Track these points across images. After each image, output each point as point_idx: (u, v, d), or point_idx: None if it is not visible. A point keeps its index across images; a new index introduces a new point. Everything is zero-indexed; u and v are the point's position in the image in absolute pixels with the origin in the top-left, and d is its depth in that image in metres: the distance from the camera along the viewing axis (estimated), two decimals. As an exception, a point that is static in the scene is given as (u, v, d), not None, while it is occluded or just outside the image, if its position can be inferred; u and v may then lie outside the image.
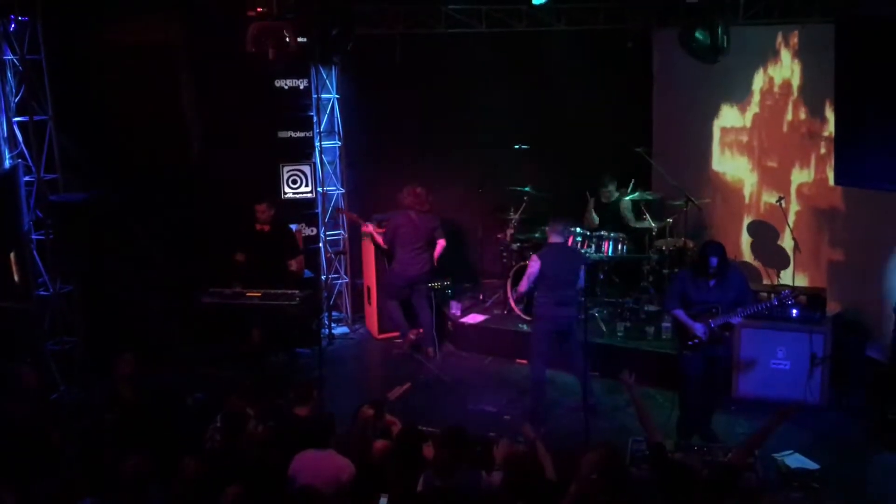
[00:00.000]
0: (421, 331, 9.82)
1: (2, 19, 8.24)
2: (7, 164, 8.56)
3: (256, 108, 9.82)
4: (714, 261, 7.00)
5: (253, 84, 9.70)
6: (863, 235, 8.63)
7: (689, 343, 7.20)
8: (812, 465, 6.92)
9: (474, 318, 10.12)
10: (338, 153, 10.71)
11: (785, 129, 9.51)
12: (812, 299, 8.21)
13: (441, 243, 9.62)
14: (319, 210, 10.49)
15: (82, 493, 5.27)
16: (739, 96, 9.98)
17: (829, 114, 8.76)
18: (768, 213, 9.78)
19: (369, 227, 9.77)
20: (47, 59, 8.50)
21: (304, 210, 10.29)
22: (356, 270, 10.86)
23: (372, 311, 10.49)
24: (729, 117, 10.22)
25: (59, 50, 8.61)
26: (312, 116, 10.24)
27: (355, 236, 10.73)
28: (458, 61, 10.43)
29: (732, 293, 7.16)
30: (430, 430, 5.98)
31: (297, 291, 8.72)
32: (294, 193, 10.19)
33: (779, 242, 9.66)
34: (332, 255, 10.70)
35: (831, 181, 8.70)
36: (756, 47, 9.56)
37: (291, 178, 10.17)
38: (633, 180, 9.95)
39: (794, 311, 8.13)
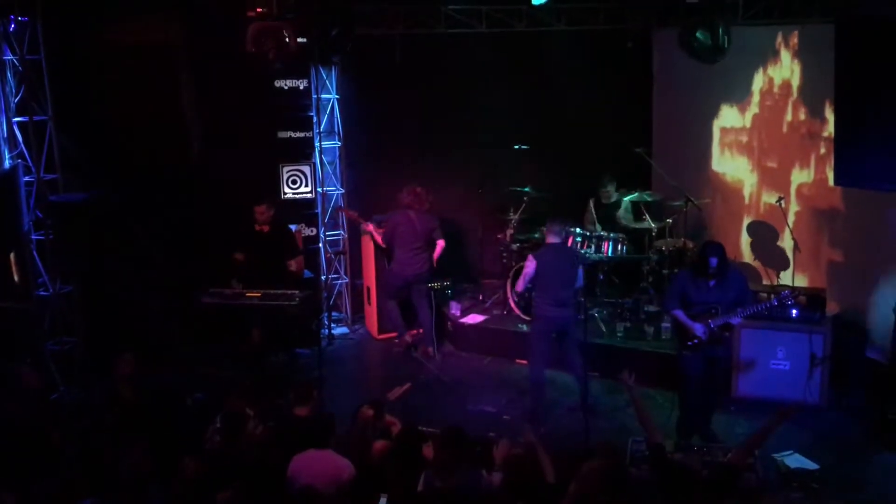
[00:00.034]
0: (420, 331, 9.84)
1: (2, 19, 8.24)
2: (7, 164, 8.56)
3: (256, 108, 9.83)
4: (714, 261, 7.00)
5: (253, 84, 9.71)
6: (862, 236, 8.63)
7: (689, 343, 7.20)
8: (812, 466, 6.93)
9: (474, 319, 10.12)
10: (338, 153, 10.71)
11: (785, 129, 9.51)
12: (812, 300, 8.21)
13: (440, 244, 9.62)
14: (319, 210, 10.49)
15: (82, 493, 5.27)
16: (739, 97, 9.98)
17: (829, 114, 8.76)
18: (768, 214, 9.79)
19: (370, 226, 9.77)
20: (47, 59, 8.50)
21: (303, 210, 10.29)
22: (356, 271, 10.86)
23: (372, 312, 10.49)
24: (729, 117, 10.22)
25: (58, 50, 8.61)
26: (312, 117, 10.24)
27: (355, 236, 10.74)
28: (458, 61, 10.43)
29: (732, 293, 7.16)
30: (430, 431, 5.98)
31: (296, 292, 8.71)
32: (294, 194, 10.20)
33: (778, 243, 9.67)
34: (332, 256, 10.70)
35: (831, 181, 8.70)
36: (756, 47, 9.56)
37: (291, 179, 10.17)
38: (631, 190, 9.96)
39: (794, 312, 8.13)
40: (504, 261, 10.17)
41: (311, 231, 10.40)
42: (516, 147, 10.27)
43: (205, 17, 9.21)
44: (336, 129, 10.66)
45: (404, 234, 9.41)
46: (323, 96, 10.42)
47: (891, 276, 8.25)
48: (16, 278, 8.34)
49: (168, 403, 7.16)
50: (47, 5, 8.39)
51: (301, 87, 10.08)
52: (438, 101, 10.58)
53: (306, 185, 10.23)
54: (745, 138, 10.06)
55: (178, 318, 9.08)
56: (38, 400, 6.97)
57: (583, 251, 9.37)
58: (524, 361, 8.88)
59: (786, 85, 9.43)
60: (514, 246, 10.01)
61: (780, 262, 9.65)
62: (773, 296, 7.49)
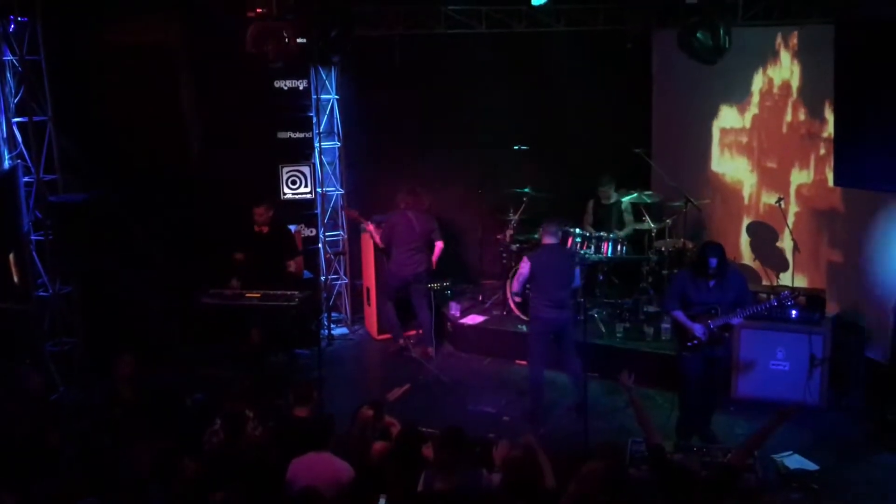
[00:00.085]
0: (420, 332, 9.84)
1: (1, 20, 8.23)
2: (6, 164, 8.56)
3: (256, 108, 9.83)
4: (713, 261, 7.00)
5: (252, 85, 9.71)
6: (862, 236, 8.62)
7: (689, 344, 7.20)
8: (811, 466, 6.94)
9: (474, 319, 10.12)
10: (337, 154, 10.71)
11: (784, 129, 9.51)
12: (811, 300, 8.21)
13: (439, 245, 9.63)
14: (319, 211, 10.49)
15: (82, 493, 5.27)
16: (739, 97, 9.98)
17: (829, 115, 8.76)
18: (768, 214, 9.79)
19: (370, 226, 9.78)
20: (47, 59, 8.50)
21: (303, 211, 10.29)
22: (355, 271, 10.86)
23: (371, 312, 10.49)
24: (728, 118, 10.22)
25: (58, 50, 8.61)
26: (312, 117, 10.25)
27: (354, 237, 10.74)
28: (457, 62, 10.44)
29: (732, 294, 7.16)
30: (430, 431, 5.98)
31: (296, 292, 8.71)
32: (293, 194, 10.20)
33: (778, 243, 9.67)
34: (332, 256, 10.70)
35: (831, 182, 8.70)
36: (755, 48, 9.56)
37: (291, 179, 10.18)
38: (631, 190, 9.96)
39: (794, 312, 8.13)
40: (504, 261, 10.17)
41: (311, 232, 10.41)
42: (516, 148, 10.27)
43: (205, 17, 9.20)
44: (336, 130, 10.66)
45: (402, 234, 9.41)
46: (322, 97, 10.43)
47: (890, 277, 8.25)
48: (15, 279, 8.34)
49: (168, 404, 7.16)
50: (47, 6, 8.39)
51: (301, 88, 10.09)
52: (438, 101, 10.58)
53: (306, 186, 10.23)
54: (744, 139, 10.06)
55: (177, 319, 9.07)
56: (38, 401, 6.97)
57: (582, 251, 9.38)
58: (524, 362, 8.87)
59: (785, 85, 9.43)
60: (514, 246, 10.01)
61: (779, 263, 9.65)
62: (772, 296, 7.49)
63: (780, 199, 9.22)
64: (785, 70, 9.41)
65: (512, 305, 9.79)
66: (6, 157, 8.57)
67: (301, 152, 10.20)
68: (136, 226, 9.00)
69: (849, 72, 7.91)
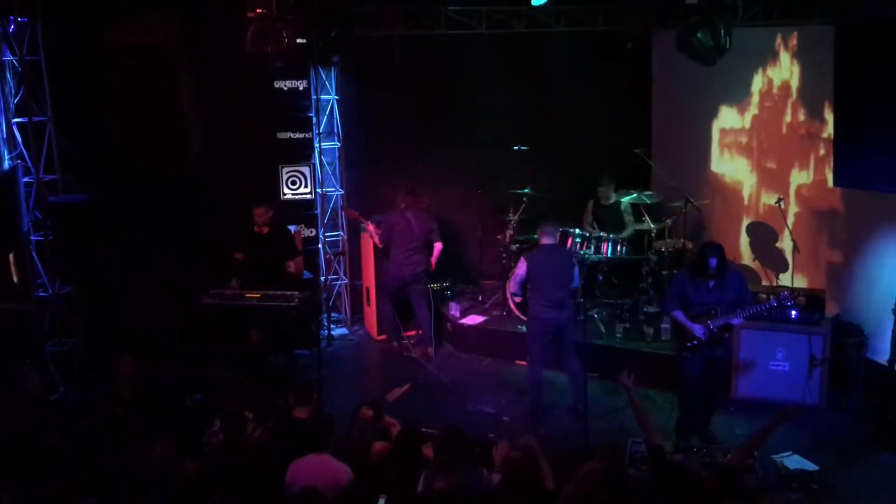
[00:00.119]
0: (419, 333, 9.84)
1: (1, 20, 8.23)
2: (6, 165, 8.56)
3: (256, 108, 9.84)
4: (713, 262, 7.00)
5: (252, 85, 9.72)
6: (862, 237, 8.63)
7: (689, 344, 7.20)
8: (811, 467, 6.94)
9: (473, 320, 10.12)
10: (337, 154, 10.71)
11: (784, 130, 9.52)
12: (811, 301, 8.21)
13: (438, 246, 9.64)
14: (319, 211, 10.49)
15: (82, 493, 5.27)
16: (738, 98, 9.99)
17: (828, 115, 8.76)
18: (767, 215, 9.79)
19: (370, 226, 9.78)
20: (46, 59, 8.49)
21: (303, 211, 10.29)
22: (355, 271, 10.87)
23: (371, 313, 10.49)
24: (728, 118, 10.23)
25: (58, 51, 8.61)
26: (312, 117, 10.25)
27: (354, 237, 10.74)
28: (457, 62, 10.44)
29: (731, 294, 7.16)
30: (430, 432, 5.98)
31: (296, 292, 8.71)
32: (293, 194, 10.20)
33: (778, 244, 9.67)
34: (332, 257, 10.70)
35: (830, 182, 8.70)
36: (755, 49, 9.56)
37: (291, 180, 10.18)
38: (630, 190, 9.96)
39: (793, 313, 8.14)
40: (503, 262, 10.17)
41: (311, 232, 10.41)
42: (516, 148, 10.27)
43: (205, 17, 9.21)
44: (335, 130, 10.66)
45: (401, 234, 9.42)
46: (322, 97, 10.43)
47: (890, 277, 8.25)
48: (15, 279, 8.34)
49: (167, 404, 7.16)
50: (47, 6, 8.38)
51: (301, 88, 10.10)
52: (438, 102, 10.58)
53: (306, 186, 10.23)
54: (744, 139, 10.06)
55: (177, 319, 9.07)
56: (38, 401, 6.97)
57: (582, 252, 9.38)
58: (524, 362, 8.88)
59: (785, 86, 9.43)
60: (514, 247, 10.00)
61: (779, 263, 9.65)
62: (772, 297, 7.49)
63: (779, 200, 9.22)
64: (785, 70, 9.42)
65: (512, 306, 9.79)
66: (6, 158, 8.57)
67: (301, 153, 10.21)
68: (136, 226, 9.00)
69: (848, 72, 7.91)
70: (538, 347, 8.09)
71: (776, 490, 6.69)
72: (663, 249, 9.67)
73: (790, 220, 9.34)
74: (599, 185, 9.88)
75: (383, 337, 10.20)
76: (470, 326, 10.03)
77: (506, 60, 10.52)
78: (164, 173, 9.36)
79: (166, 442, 5.45)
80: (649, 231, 9.72)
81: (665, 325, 8.93)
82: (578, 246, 9.43)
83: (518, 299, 9.47)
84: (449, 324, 10.16)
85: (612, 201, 9.91)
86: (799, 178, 9.38)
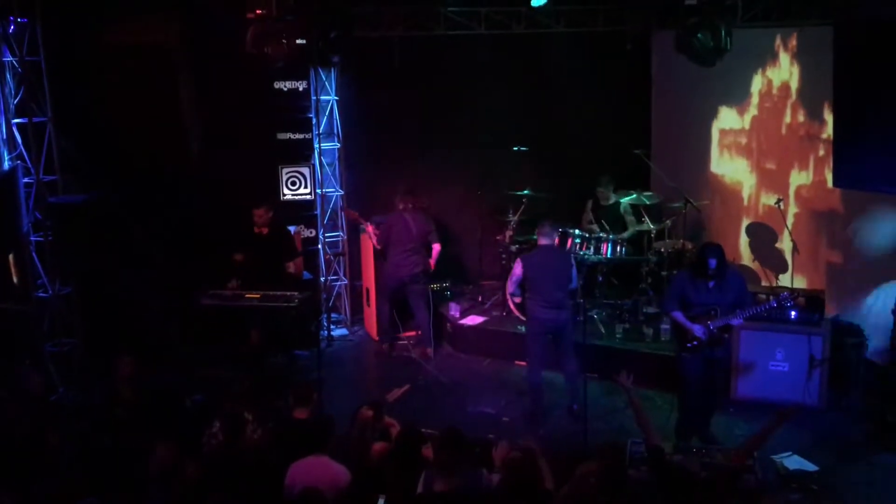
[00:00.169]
0: (418, 333, 9.84)
1: (1, 21, 8.23)
2: (6, 165, 8.56)
3: (256, 109, 9.84)
4: (713, 262, 7.00)
5: (252, 85, 9.72)
6: (861, 237, 8.63)
7: (688, 345, 7.20)
8: (811, 467, 6.94)
9: (473, 320, 10.12)
10: (337, 155, 10.72)
11: (783, 131, 9.52)
12: (810, 301, 8.22)
13: (436, 248, 9.64)
14: (318, 212, 10.49)
15: (82, 493, 5.27)
16: (738, 98, 9.99)
17: (828, 116, 8.77)
18: (767, 215, 9.79)
19: (369, 227, 9.79)
20: (46, 60, 8.50)
21: (302, 212, 10.29)
22: (355, 272, 10.87)
23: (371, 313, 10.48)
24: (727, 119, 10.23)
25: (58, 51, 8.61)
26: (311, 118, 10.25)
27: (354, 238, 10.74)
28: (457, 63, 10.44)
29: (731, 295, 7.16)
30: (429, 432, 5.98)
31: (295, 293, 8.70)
32: (293, 195, 10.21)
33: (777, 244, 9.67)
34: (331, 257, 10.70)
35: (830, 183, 8.71)
36: (754, 49, 9.57)
37: (290, 180, 10.18)
38: (630, 191, 9.96)
39: (793, 314, 8.14)
40: (503, 262, 10.17)
41: (311, 232, 10.41)
42: (515, 149, 10.27)
43: (205, 17, 9.21)
44: (335, 131, 10.66)
45: (399, 235, 9.42)
46: (322, 98, 10.43)
47: (889, 278, 8.26)
48: (15, 280, 8.34)
49: (167, 405, 7.16)
50: (46, 6, 8.39)
51: (300, 89, 10.10)
52: (438, 102, 10.58)
53: (305, 187, 10.23)
54: (743, 140, 10.07)
55: (177, 319, 9.08)
56: (38, 401, 6.97)
57: (582, 252, 9.38)
58: (523, 363, 8.88)
59: (784, 87, 9.44)
60: (514, 247, 10.01)
61: (778, 264, 9.65)
62: (772, 297, 7.50)
63: (779, 201, 9.23)
64: (784, 71, 9.43)
65: (511, 306, 9.78)
66: (6, 158, 8.57)
67: (301, 153, 10.21)
68: (136, 226, 9.01)
69: (848, 73, 7.92)
70: (537, 348, 8.10)
71: (776, 490, 6.69)
72: (663, 250, 9.67)
73: (790, 220, 9.35)
74: (599, 186, 9.88)
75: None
76: (469, 327, 10.03)
77: (505, 61, 10.53)
78: (164, 174, 9.36)
79: (167, 443, 5.45)
80: (649, 232, 9.72)
81: (665, 326, 8.93)
82: (578, 246, 9.43)
83: (518, 300, 9.45)
84: (448, 324, 10.16)
85: (611, 202, 9.91)
86: (798, 178, 9.39)
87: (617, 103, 10.74)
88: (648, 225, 9.69)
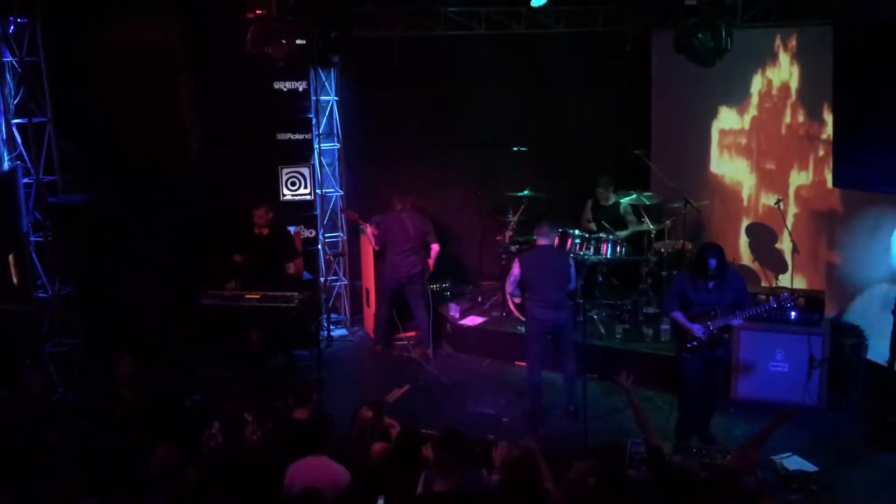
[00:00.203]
0: (416, 333, 9.84)
1: (1, 21, 8.23)
2: (6, 166, 8.56)
3: (255, 109, 9.84)
4: (713, 262, 7.00)
5: (252, 85, 9.72)
6: (861, 238, 8.63)
7: (688, 345, 7.20)
8: (811, 468, 6.94)
9: (473, 321, 10.12)
10: (337, 155, 10.72)
11: (783, 131, 9.52)
12: (810, 302, 8.22)
13: (435, 248, 9.64)
14: (318, 212, 10.49)
15: (82, 493, 5.27)
16: (738, 99, 9.99)
17: (828, 116, 8.77)
18: (767, 216, 9.79)
19: (369, 228, 9.79)
20: (46, 60, 8.50)
21: (302, 212, 10.29)
22: (355, 272, 10.87)
23: (371, 314, 10.47)
24: (727, 119, 10.23)
25: (58, 51, 8.61)
26: (311, 118, 10.25)
27: (354, 238, 10.74)
28: (457, 63, 10.44)
29: (731, 295, 7.16)
30: (429, 433, 5.98)
31: (295, 293, 8.69)
32: (293, 195, 10.21)
33: (777, 245, 9.67)
34: (331, 258, 10.71)
35: (830, 183, 8.71)
36: (754, 50, 9.56)
37: (290, 181, 10.18)
38: (630, 191, 9.96)
39: (793, 314, 8.14)
40: (503, 262, 10.16)
41: (310, 233, 10.41)
42: (515, 149, 10.27)
43: (205, 17, 9.21)
44: (335, 131, 10.66)
45: (397, 236, 9.43)
46: (322, 98, 10.43)
47: (889, 279, 8.26)
48: (15, 280, 8.33)
49: (167, 405, 7.16)
50: (46, 7, 8.38)
51: (300, 89, 10.10)
52: (437, 103, 10.58)
53: (305, 187, 10.23)
54: (743, 140, 10.07)
55: (177, 320, 9.07)
56: (39, 402, 6.97)
57: (581, 253, 9.38)
58: (523, 363, 8.88)
59: (784, 87, 9.44)
60: (513, 248, 10.00)
61: (778, 264, 9.65)
62: (771, 298, 7.51)
63: (779, 201, 9.23)
64: (784, 71, 9.42)
65: (511, 307, 9.79)
66: (6, 159, 8.57)
67: (300, 154, 10.21)
68: (136, 226, 9.00)
69: (848, 73, 7.92)
70: (537, 348, 8.10)
71: (776, 491, 6.69)
72: (663, 250, 9.67)
73: (789, 221, 9.35)
74: (598, 186, 9.89)
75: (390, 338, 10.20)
76: (469, 327, 10.03)
77: (505, 61, 10.53)
78: (164, 174, 9.36)
79: (167, 444, 5.45)
80: (649, 232, 9.72)
81: (664, 327, 8.93)
82: (578, 247, 9.43)
83: (518, 300, 9.46)
84: (448, 325, 10.16)
85: (611, 202, 9.91)
86: (798, 178, 9.38)
87: (617, 103, 10.74)
88: (648, 225, 9.69)
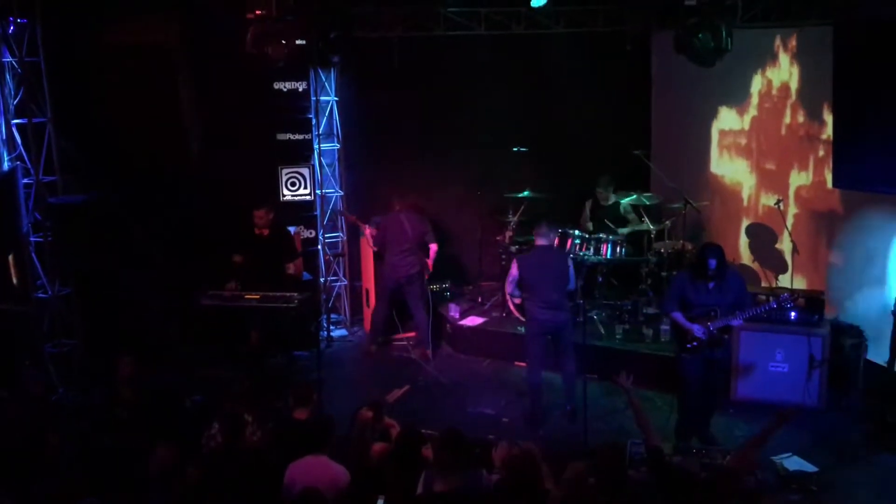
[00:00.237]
0: (415, 333, 9.84)
1: (1, 21, 8.23)
2: (6, 166, 8.56)
3: (255, 109, 9.84)
4: (713, 263, 7.00)
5: (252, 86, 9.72)
6: (861, 238, 8.63)
7: (688, 346, 7.20)
8: (810, 468, 6.93)
9: (473, 321, 10.12)
10: (336, 156, 10.72)
11: (783, 131, 9.52)
12: (810, 302, 8.22)
13: (433, 248, 9.64)
14: (318, 212, 10.49)
15: (82, 493, 5.27)
16: (738, 99, 9.99)
17: (828, 116, 8.77)
18: (767, 216, 9.79)
19: (367, 230, 9.79)
20: (46, 60, 8.50)
21: (302, 212, 10.29)
22: (355, 273, 10.87)
23: (370, 314, 10.48)
24: (727, 120, 10.23)
25: (57, 51, 8.61)
26: (311, 119, 10.25)
27: (354, 239, 10.74)
28: (457, 64, 10.44)
29: (731, 296, 7.15)
30: (429, 433, 5.98)
31: (295, 294, 8.69)
32: (293, 196, 10.21)
33: (777, 245, 9.67)
34: (331, 258, 10.70)
35: (829, 184, 8.71)
36: (754, 50, 9.56)
37: (290, 181, 10.18)
38: (630, 192, 9.96)
39: (793, 314, 8.13)
40: (503, 263, 10.15)
41: (310, 233, 10.41)
42: (515, 149, 10.27)
43: (205, 17, 9.21)
44: (335, 132, 10.67)
45: (395, 236, 9.43)
46: (322, 98, 10.43)
47: (889, 279, 8.26)
48: (14, 280, 8.33)
49: (167, 405, 7.16)
50: (46, 7, 8.38)
51: (300, 89, 10.10)
52: (437, 103, 10.58)
53: (305, 188, 10.23)
54: (743, 140, 10.07)
55: (177, 320, 9.07)
56: (39, 402, 6.97)
57: (581, 253, 9.38)
58: (523, 363, 8.88)
59: (784, 87, 9.43)
60: (513, 248, 9.99)
61: (778, 265, 9.65)
62: (771, 298, 7.51)
63: (779, 201, 9.22)
64: (784, 72, 9.42)
65: (511, 307, 9.78)
66: (6, 159, 8.57)
67: (300, 154, 10.21)
68: (136, 227, 9.01)
69: (848, 73, 7.92)
70: (536, 349, 8.09)
71: (775, 491, 6.69)
72: (663, 251, 9.67)
73: (789, 221, 9.35)
74: (598, 186, 9.89)
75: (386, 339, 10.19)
76: (469, 328, 10.03)
77: (505, 62, 10.52)
78: (164, 174, 9.36)
79: (167, 444, 5.45)
80: (648, 232, 9.72)
81: (664, 327, 8.93)
82: (578, 247, 9.43)
83: (518, 300, 9.43)
84: (448, 325, 10.16)
85: (611, 202, 9.91)
86: (798, 179, 9.38)
87: (617, 104, 10.74)
88: (648, 225, 9.69)
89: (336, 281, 10.88)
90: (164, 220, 9.27)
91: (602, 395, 8.38)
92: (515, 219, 10.13)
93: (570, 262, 8.19)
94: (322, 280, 10.62)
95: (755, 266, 10.01)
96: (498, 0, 9.72)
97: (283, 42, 8.70)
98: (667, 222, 9.82)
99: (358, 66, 10.37)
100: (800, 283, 9.20)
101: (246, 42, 8.65)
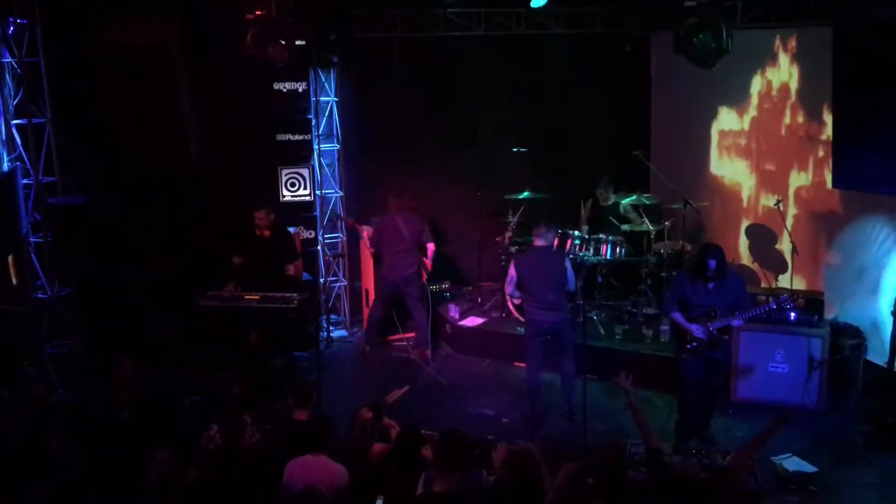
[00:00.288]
0: (413, 334, 9.85)
1: (0, 22, 8.23)
2: (5, 167, 8.55)
3: (255, 110, 9.85)
4: (712, 263, 7.00)
5: (252, 86, 9.73)
6: (861, 239, 8.64)
7: (688, 346, 7.20)
8: (810, 468, 6.94)
9: (472, 322, 10.12)
10: (336, 156, 10.72)
11: (783, 132, 9.53)
12: (810, 303, 8.22)
13: (431, 247, 9.61)
14: (318, 213, 10.49)
15: (82, 494, 5.26)
16: (737, 100, 10.00)
17: (827, 117, 8.78)
18: (766, 217, 9.80)
19: (365, 233, 9.79)
20: (46, 61, 8.49)
21: (302, 213, 10.29)
22: (354, 273, 10.87)
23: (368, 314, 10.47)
24: (727, 120, 10.24)
25: (57, 52, 8.60)
26: (311, 119, 10.25)
27: (353, 239, 10.74)
28: (456, 64, 10.44)
29: (730, 296, 7.15)
30: (429, 433, 5.98)
31: (295, 294, 8.69)
32: (292, 196, 10.21)
33: (777, 246, 9.68)
34: (331, 259, 10.70)
35: (829, 184, 8.72)
36: (754, 51, 9.57)
37: (290, 181, 10.18)
38: (629, 192, 9.95)
39: (792, 315, 8.13)
40: (502, 263, 10.15)
41: (310, 234, 10.41)
42: (515, 150, 10.27)
43: (204, 18, 9.20)
44: (335, 132, 10.67)
45: (390, 237, 9.42)
46: (322, 99, 10.43)
47: (889, 279, 8.26)
48: (14, 281, 8.33)
49: (166, 406, 7.15)
50: (46, 7, 8.38)
51: (300, 90, 10.11)
52: (437, 103, 10.59)
53: (305, 188, 10.23)
54: (743, 141, 10.07)
55: (176, 321, 9.06)
56: (39, 403, 6.97)
57: (581, 254, 9.38)
58: (523, 364, 8.88)
59: (784, 88, 9.44)
60: (513, 249, 9.99)
61: (778, 265, 9.65)
62: (771, 299, 7.50)
63: (778, 202, 9.23)
64: (784, 72, 9.43)
65: (511, 308, 9.79)
66: (5, 160, 8.57)
67: (300, 154, 10.22)
68: (135, 227, 9.00)
69: (847, 74, 7.94)
70: (535, 349, 8.09)
71: (775, 492, 6.69)
72: (662, 251, 9.67)
73: (789, 221, 9.35)
74: (598, 187, 9.89)
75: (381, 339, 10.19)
76: (469, 328, 10.03)
77: (505, 62, 10.52)
78: (164, 174, 9.35)
79: (167, 447, 5.45)
80: (648, 233, 9.72)
81: (664, 327, 8.94)
82: (578, 248, 9.43)
83: (517, 301, 9.45)
84: (448, 325, 10.16)
85: (610, 203, 9.91)
86: (798, 179, 9.39)
87: (616, 104, 10.75)
88: (647, 226, 9.70)
89: (336, 281, 10.88)
90: (163, 220, 9.27)
91: (602, 395, 8.38)
92: (515, 219, 10.12)
93: (569, 263, 8.18)
94: (322, 281, 10.62)
95: (755, 266, 10.02)
96: (498, 1, 9.73)
97: (283, 43, 8.70)
98: (666, 223, 9.82)
99: (358, 67, 10.37)
100: (799, 284, 9.20)
101: (246, 43, 8.65)
